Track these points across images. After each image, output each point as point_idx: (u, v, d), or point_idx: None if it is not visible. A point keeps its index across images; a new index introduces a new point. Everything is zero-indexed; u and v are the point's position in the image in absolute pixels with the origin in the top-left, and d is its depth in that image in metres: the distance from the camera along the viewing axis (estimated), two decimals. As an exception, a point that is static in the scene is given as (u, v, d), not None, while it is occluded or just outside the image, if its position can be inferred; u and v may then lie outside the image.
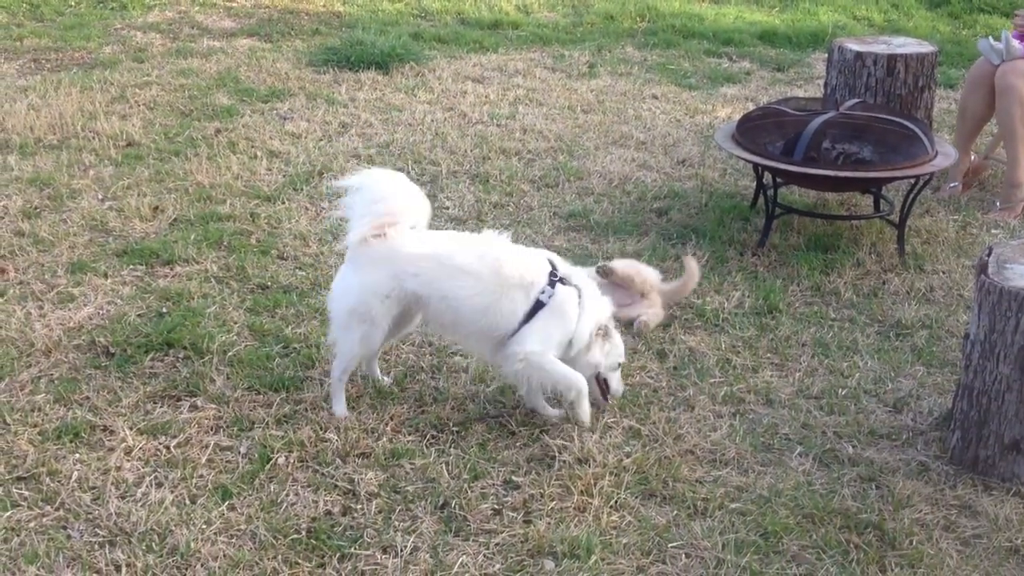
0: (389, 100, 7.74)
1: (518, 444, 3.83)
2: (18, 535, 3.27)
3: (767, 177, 5.59)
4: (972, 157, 6.47)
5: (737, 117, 6.19)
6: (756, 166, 5.54)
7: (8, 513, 3.35)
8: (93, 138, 6.65)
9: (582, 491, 3.56)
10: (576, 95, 8.03)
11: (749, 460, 3.80)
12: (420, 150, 6.71)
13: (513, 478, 3.64)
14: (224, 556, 3.22)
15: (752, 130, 5.60)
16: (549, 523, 3.42)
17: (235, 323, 4.56)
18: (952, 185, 6.27)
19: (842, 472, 3.76)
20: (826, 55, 7.11)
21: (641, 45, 9.65)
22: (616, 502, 3.53)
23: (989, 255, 3.79)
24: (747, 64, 9.18)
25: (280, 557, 3.23)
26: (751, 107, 7.35)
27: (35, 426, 3.79)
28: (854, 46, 6.57)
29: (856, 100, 5.95)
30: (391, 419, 3.96)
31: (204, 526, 3.34)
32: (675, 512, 3.52)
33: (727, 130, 5.69)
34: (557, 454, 3.76)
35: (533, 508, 3.49)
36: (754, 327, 4.71)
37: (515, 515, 3.46)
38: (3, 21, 9.68)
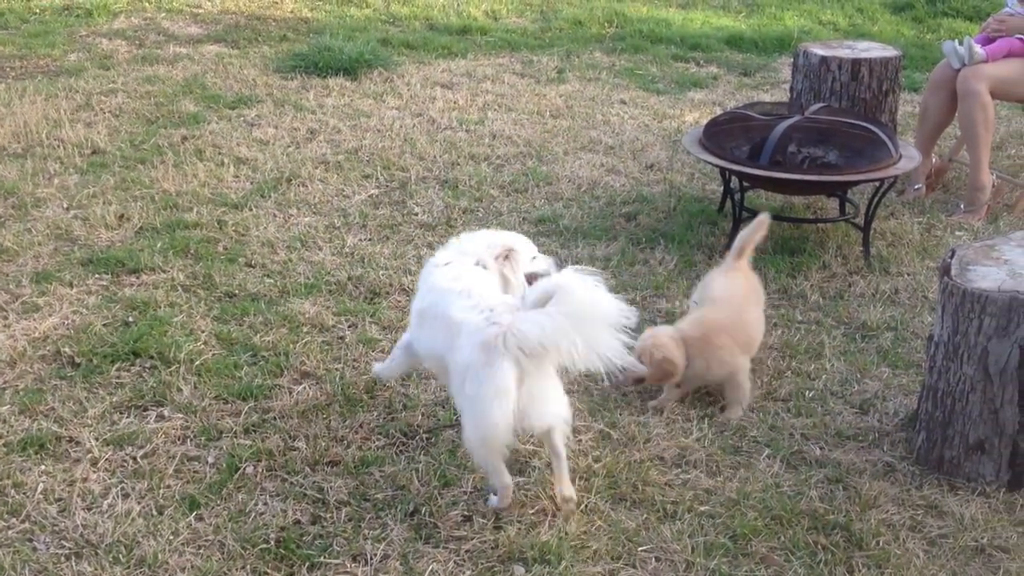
0: (357, 106, 7.72)
1: (488, 450, 3.83)
2: (-18, 549, 3.24)
3: (734, 181, 5.63)
4: (934, 159, 6.55)
5: (704, 122, 6.22)
6: (723, 170, 5.57)
7: (-28, 527, 3.31)
8: (58, 146, 6.58)
9: (552, 496, 3.57)
10: (545, 100, 8.05)
11: (718, 463, 3.82)
12: (389, 156, 6.70)
13: (483, 484, 3.63)
14: (192, 567, 3.20)
15: (719, 134, 5.64)
16: (519, 529, 3.42)
17: (202, 332, 4.53)
18: (916, 187, 6.34)
19: (809, 474, 3.79)
20: (792, 60, 7.17)
21: (609, 50, 9.69)
22: (586, 506, 3.54)
23: (952, 257, 3.83)
24: (714, 69, 9.24)
25: (249, 567, 3.21)
26: (718, 111, 7.40)
27: (0, 438, 3.75)
28: (819, 51, 6.63)
29: (821, 104, 6.01)
30: (360, 427, 3.95)
31: (172, 537, 3.31)
32: (645, 516, 3.53)
33: (694, 135, 5.73)
34: (527, 459, 3.77)
35: (503, 514, 3.49)
36: (722, 330, 4.73)
37: (485, 521, 3.46)
38: (-34, 28, 9.58)
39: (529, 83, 8.54)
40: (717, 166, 5.53)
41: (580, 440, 3.90)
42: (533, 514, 3.50)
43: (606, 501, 3.58)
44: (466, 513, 3.50)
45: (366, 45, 8.94)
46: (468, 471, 3.69)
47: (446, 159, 6.72)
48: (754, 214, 5.63)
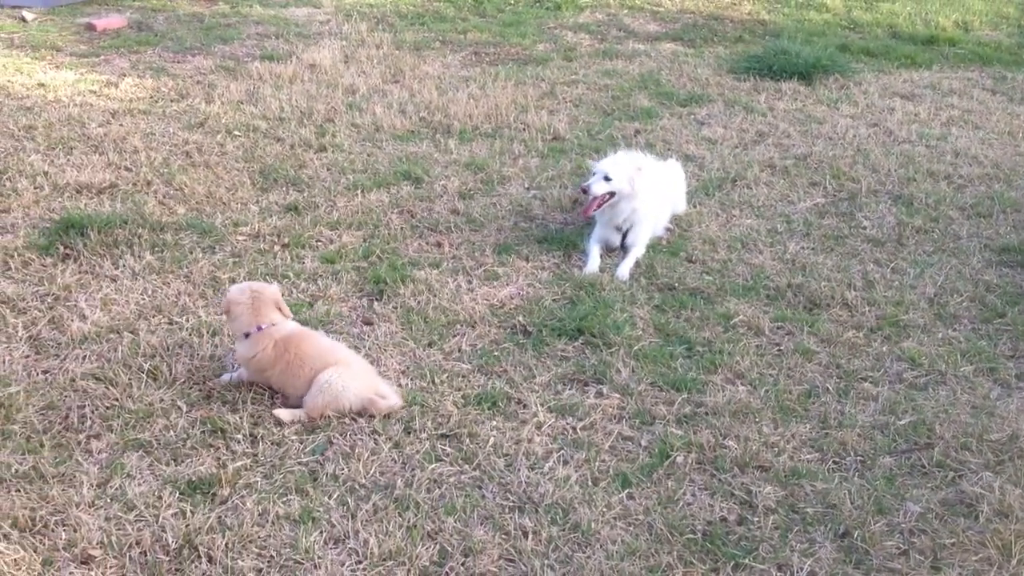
0: (810, 112, 7.56)
1: (930, 485, 3.60)
2: (439, 487, 3.56)
3: None
4: None
5: None
6: None
7: (433, 466, 3.65)
8: (523, 129, 7.08)
9: (1000, 547, 3.27)
10: (1018, 120, 7.39)
11: None
12: (839, 165, 6.49)
13: (923, 519, 3.41)
14: (622, 541, 3.31)
15: None
16: (961, 573, 3.17)
17: (641, 319, 4.66)
18: None
19: None
20: None
21: (1101, 69, 8.69)
22: (1042, 567, 3.21)
23: None
24: None
25: (675, 553, 3.26)
26: None
27: (459, 390, 4.10)
28: None
29: None
30: (792, 436, 3.86)
31: (604, 509, 3.44)
32: (1112, 592, 3.14)
33: None
34: (974, 503, 3.48)
35: (943, 556, 3.26)
36: None
37: (923, 559, 3.25)
38: (450, 15, 10.58)
39: (1001, 101, 7.88)
40: None
41: (1038, 493, 3.54)
42: (977, 561, 3.24)
43: (1066, 566, 3.23)
44: (902, 546, 3.31)
45: (823, 50, 8.72)
46: (908, 503, 3.49)
47: (901, 174, 6.38)
48: None
